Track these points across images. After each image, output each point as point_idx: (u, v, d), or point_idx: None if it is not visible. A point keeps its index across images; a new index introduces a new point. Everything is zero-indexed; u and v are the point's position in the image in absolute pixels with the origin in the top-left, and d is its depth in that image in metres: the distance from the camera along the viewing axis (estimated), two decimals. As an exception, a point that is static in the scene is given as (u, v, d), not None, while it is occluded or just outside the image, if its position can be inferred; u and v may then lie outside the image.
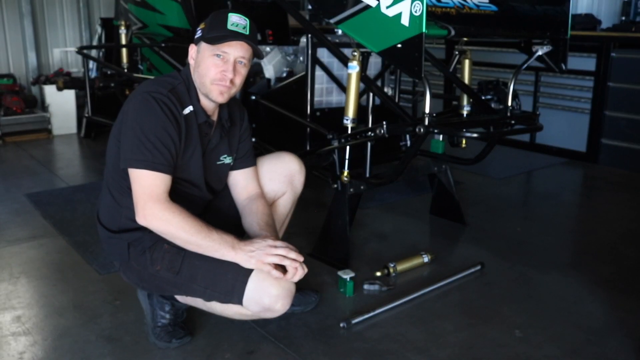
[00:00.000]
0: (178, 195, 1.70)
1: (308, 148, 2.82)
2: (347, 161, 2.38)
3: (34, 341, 1.88)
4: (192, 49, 1.78)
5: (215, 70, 1.71)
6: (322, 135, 2.51)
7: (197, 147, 1.78)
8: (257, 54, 1.79)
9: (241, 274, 1.65)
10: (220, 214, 1.94)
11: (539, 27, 2.43)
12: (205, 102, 1.78)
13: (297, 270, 1.66)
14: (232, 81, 1.72)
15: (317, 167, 2.55)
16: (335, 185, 2.43)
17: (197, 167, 1.81)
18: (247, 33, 1.70)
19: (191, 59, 1.78)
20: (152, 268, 1.74)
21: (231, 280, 1.66)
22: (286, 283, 1.66)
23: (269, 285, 1.64)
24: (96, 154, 4.44)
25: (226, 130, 1.88)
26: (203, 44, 1.72)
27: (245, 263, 1.64)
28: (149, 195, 1.62)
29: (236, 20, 1.69)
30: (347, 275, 2.17)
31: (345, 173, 2.38)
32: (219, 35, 1.68)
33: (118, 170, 1.71)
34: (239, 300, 1.67)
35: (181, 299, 1.84)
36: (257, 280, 1.65)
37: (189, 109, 1.74)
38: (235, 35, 1.68)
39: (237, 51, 1.71)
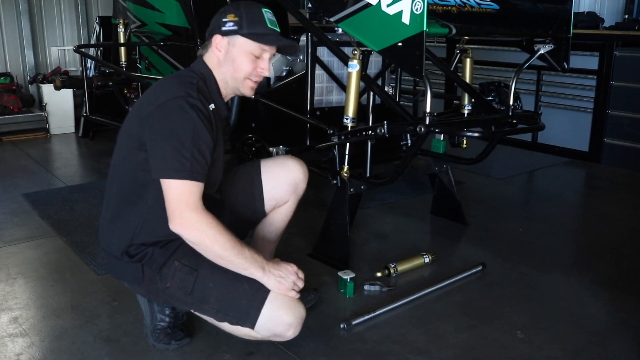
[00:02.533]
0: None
1: (308, 144, 2.80)
2: (347, 157, 2.36)
3: (31, 342, 1.86)
4: (221, 41, 1.70)
5: (253, 66, 1.71)
6: (322, 133, 2.49)
7: (221, 144, 1.76)
8: (292, 51, 1.84)
9: (256, 301, 1.64)
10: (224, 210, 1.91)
11: (540, 25, 2.41)
12: (225, 94, 1.76)
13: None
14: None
15: (316, 164, 2.53)
16: (335, 181, 2.42)
17: (221, 164, 1.79)
18: (278, 29, 1.73)
19: (217, 51, 1.71)
20: (162, 284, 1.70)
21: (245, 306, 1.65)
22: (299, 311, 1.69)
23: (284, 313, 1.66)
24: (94, 153, 4.43)
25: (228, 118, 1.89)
26: (240, 39, 1.68)
27: (272, 287, 1.65)
28: (186, 203, 1.55)
29: (271, 17, 1.71)
30: (347, 275, 2.16)
31: (345, 169, 2.36)
32: (262, 32, 1.68)
33: (137, 180, 1.66)
34: (251, 326, 1.66)
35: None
36: (271, 308, 1.65)
37: (212, 106, 1.69)
38: (276, 35, 1.71)
39: (272, 49, 1.74)
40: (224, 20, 1.70)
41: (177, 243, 1.68)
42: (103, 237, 1.79)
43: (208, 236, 1.56)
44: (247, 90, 1.75)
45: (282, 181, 1.96)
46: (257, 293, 1.65)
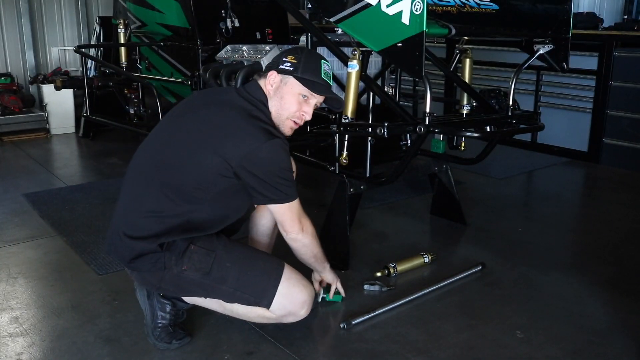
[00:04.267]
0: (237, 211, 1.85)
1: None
2: (346, 143, 2.37)
3: (31, 342, 1.87)
4: (275, 77, 1.82)
5: (298, 108, 1.82)
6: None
7: None
8: (337, 106, 1.96)
9: (272, 278, 1.78)
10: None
11: (540, 25, 2.42)
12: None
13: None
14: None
15: (315, 148, 2.53)
16: (333, 168, 2.42)
17: None
18: (331, 82, 1.86)
19: (269, 85, 1.82)
20: (177, 268, 1.73)
21: (263, 283, 1.77)
22: (311, 290, 1.86)
23: (299, 291, 1.81)
24: (94, 153, 4.43)
25: None
26: (292, 80, 1.80)
27: (331, 280, 2.06)
28: (300, 216, 1.82)
29: (327, 70, 1.85)
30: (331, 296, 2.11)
31: (344, 155, 2.36)
32: (315, 81, 1.81)
33: (209, 185, 1.71)
34: (268, 304, 1.77)
35: (194, 300, 1.82)
36: (287, 285, 1.79)
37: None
38: (326, 86, 1.84)
39: (320, 98, 1.86)
40: (284, 59, 1.83)
41: (197, 232, 1.75)
42: (130, 228, 1.74)
43: (314, 236, 1.88)
44: (287, 130, 1.84)
45: None
46: (273, 271, 1.79)
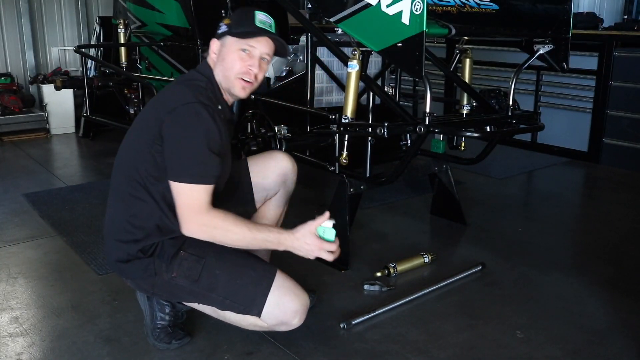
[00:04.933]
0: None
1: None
2: (345, 143, 2.36)
3: (31, 342, 1.87)
4: (215, 44, 1.78)
5: (241, 64, 1.73)
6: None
7: (229, 143, 1.80)
8: (282, 51, 1.82)
9: (262, 286, 1.68)
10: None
11: (540, 25, 2.42)
12: (227, 98, 1.80)
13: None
14: (255, 76, 1.75)
15: (315, 147, 2.53)
16: (333, 168, 2.42)
17: (229, 163, 1.83)
18: (273, 31, 1.76)
19: (213, 54, 1.78)
20: (167, 275, 1.71)
21: (252, 292, 1.68)
22: (304, 299, 1.73)
23: (290, 300, 1.70)
24: (94, 153, 4.43)
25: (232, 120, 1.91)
26: (229, 39, 1.74)
27: (303, 252, 1.67)
28: (194, 208, 1.62)
29: (263, 18, 1.75)
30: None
31: (344, 155, 2.36)
32: (248, 30, 1.72)
33: (144, 179, 1.68)
34: (258, 313, 1.69)
35: (189, 304, 1.81)
36: (278, 294, 1.69)
37: (219, 107, 1.73)
38: (263, 31, 1.73)
39: (263, 47, 1.75)
40: (220, 24, 1.77)
41: (172, 233, 1.71)
42: (117, 233, 1.76)
43: (218, 233, 1.63)
44: (239, 90, 1.76)
45: (270, 171, 2.00)
46: (263, 279, 1.69)
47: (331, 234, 1.69)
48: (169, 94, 1.72)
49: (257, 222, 2.03)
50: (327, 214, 1.68)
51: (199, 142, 1.62)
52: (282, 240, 1.67)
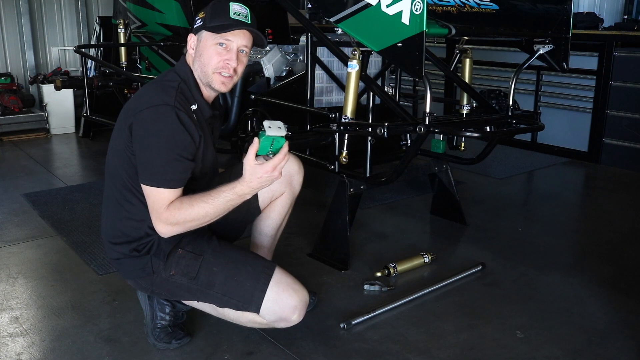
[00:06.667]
0: (190, 190, 1.68)
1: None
2: (345, 142, 2.36)
3: (31, 342, 1.87)
4: (192, 39, 1.74)
5: (219, 58, 1.69)
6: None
7: (209, 140, 1.77)
8: (260, 42, 1.77)
9: (260, 282, 1.69)
10: None
11: (540, 25, 2.42)
12: (207, 94, 1.77)
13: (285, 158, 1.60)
14: (234, 70, 1.71)
15: (315, 146, 2.53)
16: (333, 167, 2.42)
17: (211, 159, 1.81)
18: (249, 22, 1.70)
19: (190, 49, 1.74)
20: (166, 273, 1.72)
21: (250, 288, 1.69)
22: (303, 294, 1.73)
23: (288, 296, 1.70)
24: (94, 153, 4.43)
25: (217, 116, 1.88)
26: (205, 33, 1.70)
27: (257, 185, 1.61)
28: (157, 210, 1.62)
29: (238, 9, 1.69)
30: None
31: (344, 154, 2.36)
32: (223, 24, 1.67)
33: (129, 182, 1.68)
34: (256, 309, 1.69)
35: (189, 302, 1.82)
36: (276, 290, 1.69)
37: (193, 107, 1.71)
38: (238, 24, 1.68)
39: (240, 39, 1.71)
40: (196, 19, 1.74)
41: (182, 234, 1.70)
42: (110, 234, 1.78)
43: (185, 224, 1.62)
44: (218, 85, 1.72)
45: None
46: (261, 275, 1.69)
47: (280, 140, 1.56)
48: (139, 96, 1.70)
49: (259, 227, 2.03)
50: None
51: (162, 146, 1.60)
52: (239, 190, 1.62)
